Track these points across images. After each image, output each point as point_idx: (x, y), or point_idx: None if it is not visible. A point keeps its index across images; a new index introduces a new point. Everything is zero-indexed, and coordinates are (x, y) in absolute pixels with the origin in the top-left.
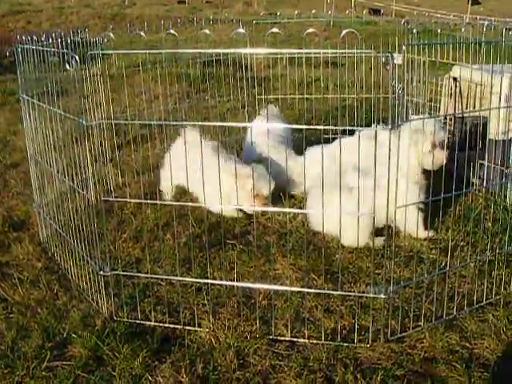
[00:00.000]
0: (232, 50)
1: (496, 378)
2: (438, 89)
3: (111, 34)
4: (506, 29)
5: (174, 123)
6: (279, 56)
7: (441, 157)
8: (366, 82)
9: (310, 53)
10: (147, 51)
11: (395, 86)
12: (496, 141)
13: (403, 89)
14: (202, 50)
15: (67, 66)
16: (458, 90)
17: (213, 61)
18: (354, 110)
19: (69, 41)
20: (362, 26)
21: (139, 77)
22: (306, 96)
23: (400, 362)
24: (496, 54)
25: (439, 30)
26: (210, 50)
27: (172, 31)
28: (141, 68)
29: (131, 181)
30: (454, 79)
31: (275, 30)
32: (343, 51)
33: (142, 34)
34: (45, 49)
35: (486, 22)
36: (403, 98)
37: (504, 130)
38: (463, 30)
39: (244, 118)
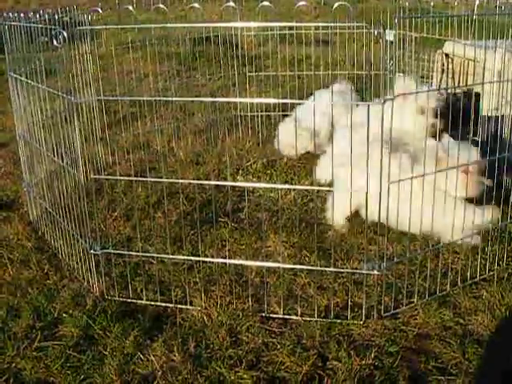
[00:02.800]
0: (222, 24)
1: (490, 353)
2: (430, 65)
3: (99, 10)
4: (497, 5)
5: (165, 99)
6: (270, 33)
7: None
8: (357, 60)
9: (301, 27)
10: (137, 26)
11: (387, 62)
12: (489, 117)
13: (395, 65)
14: (192, 24)
15: (54, 42)
16: (450, 65)
17: (203, 38)
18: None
19: (56, 18)
20: (352, 3)
21: (129, 56)
22: (297, 73)
23: (393, 339)
24: (488, 30)
25: (432, 4)
26: (200, 24)
27: (161, 5)
28: (130, 46)
29: (121, 159)
30: (446, 55)
31: (266, 3)
32: (335, 24)
33: (131, 8)
34: (32, 25)
35: None
36: (394, 74)
37: (496, 106)
38: (456, 3)
39: (235, 96)
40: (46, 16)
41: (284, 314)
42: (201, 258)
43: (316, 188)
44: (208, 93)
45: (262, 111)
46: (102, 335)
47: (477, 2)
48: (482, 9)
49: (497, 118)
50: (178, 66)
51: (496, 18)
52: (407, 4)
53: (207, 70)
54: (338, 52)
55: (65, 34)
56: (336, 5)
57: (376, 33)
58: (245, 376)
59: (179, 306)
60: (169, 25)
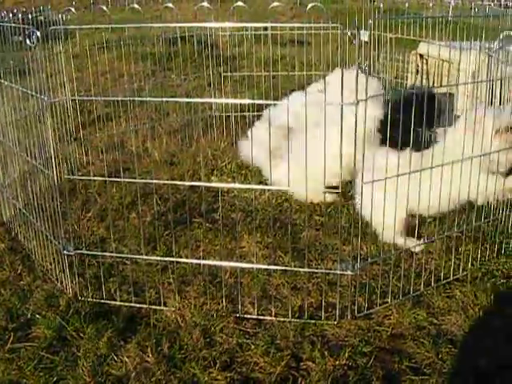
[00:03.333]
0: (196, 24)
1: (463, 353)
2: (405, 65)
3: (73, 9)
4: (472, 7)
5: (140, 99)
6: (245, 33)
7: None
8: (332, 60)
9: (276, 27)
10: (111, 26)
11: (361, 63)
12: None
13: (369, 65)
14: (167, 24)
15: (28, 42)
16: (424, 66)
17: (178, 38)
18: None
19: (30, 17)
20: (327, 5)
21: (104, 56)
22: (272, 73)
23: (367, 339)
24: (462, 32)
25: (407, 5)
26: (175, 24)
27: (136, 5)
28: (105, 46)
29: (96, 159)
30: (421, 56)
31: (240, 3)
32: (309, 25)
33: (105, 8)
34: (5, 24)
35: (453, 0)
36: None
37: (470, 106)
38: (431, 4)
39: (210, 96)
40: (20, 15)
41: (258, 314)
42: (175, 259)
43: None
44: (183, 93)
45: (237, 111)
46: (76, 336)
47: (452, 4)
48: (457, 10)
49: None
50: (154, 66)
51: (471, 19)
52: (381, 5)
53: (182, 71)
54: (313, 52)
55: (38, 34)
56: (310, 6)
57: (350, 33)
58: (219, 377)
59: (153, 306)
60: (143, 24)
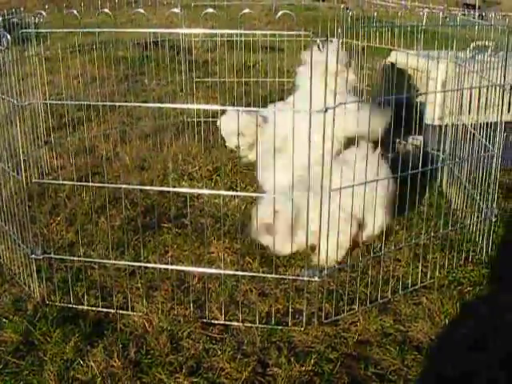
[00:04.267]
0: (166, 30)
1: (429, 360)
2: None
3: (43, 13)
4: (444, 16)
5: (111, 103)
6: (218, 39)
7: None
8: None
9: (248, 34)
10: (83, 30)
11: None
12: (432, 126)
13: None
14: (138, 30)
15: None
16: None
17: (151, 43)
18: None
19: (1, 19)
20: (300, 12)
21: (76, 59)
22: (244, 80)
23: (334, 345)
24: (434, 41)
25: (375, 14)
26: (145, 30)
27: (106, 10)
28: (77, 49)
29: (67, 163)
30: (392, 65)
31: (210, 10)
32: (281, 32)
33: (75, 12)
34: None
35: (425, 10)
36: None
37: (440, 115)
38: (399, 14)
39: (182, 102)
40: None
41: (225, 320)
42: (143, 264)
43: (260, 195)
44: (156, 98)
45: (208, 117)
46: (42, 341)
47: (425, 13)
48: (431, 20)
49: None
50: (126, 70)
51: (445, 28)
52: (354, 13)
53: (155, 76)
54: (285, 59)
55: (8, 37)
56: (280, 13)
57: (318, 41)
58: (185, 382)
59: (120, 311)
60: (116, 29)
